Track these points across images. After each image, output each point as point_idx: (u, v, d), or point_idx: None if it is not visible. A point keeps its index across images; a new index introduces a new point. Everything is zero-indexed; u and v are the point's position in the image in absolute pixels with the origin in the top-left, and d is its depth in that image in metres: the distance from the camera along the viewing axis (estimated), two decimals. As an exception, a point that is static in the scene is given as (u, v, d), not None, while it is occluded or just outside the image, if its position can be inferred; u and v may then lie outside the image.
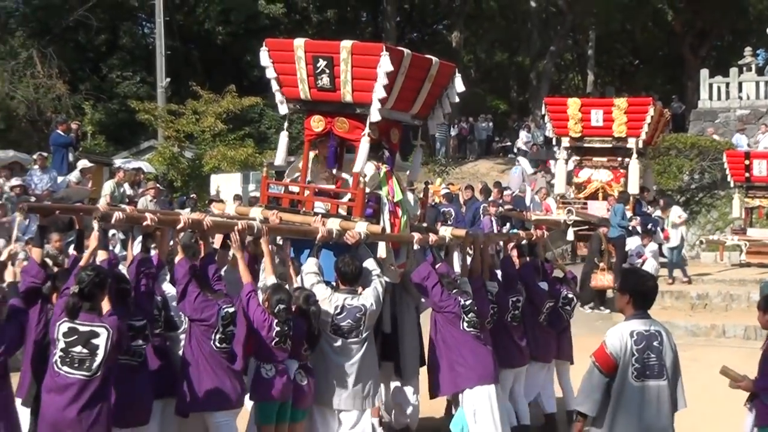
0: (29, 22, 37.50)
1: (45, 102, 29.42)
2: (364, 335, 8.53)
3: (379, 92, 8.98)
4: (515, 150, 37.03)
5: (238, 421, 7.88)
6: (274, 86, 9.83)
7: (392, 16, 40.68)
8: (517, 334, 10.13)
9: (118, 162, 25.98)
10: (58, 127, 22.46)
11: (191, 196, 23.89)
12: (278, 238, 8.92)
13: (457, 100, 10.23)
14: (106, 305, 6.77)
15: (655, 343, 6.55)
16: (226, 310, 7.66)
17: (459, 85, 10.05)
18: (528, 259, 11.06)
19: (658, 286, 7.01)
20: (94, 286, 6.65)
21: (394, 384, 9.85)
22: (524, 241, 11.42)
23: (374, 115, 9.12)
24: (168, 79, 31.93)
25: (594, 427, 6.59)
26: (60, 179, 19.95)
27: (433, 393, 9.50)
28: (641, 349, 6.49)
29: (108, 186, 20.33)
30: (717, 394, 9.01)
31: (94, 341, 6.59)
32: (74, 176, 20.16)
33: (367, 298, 8.56)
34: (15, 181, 18.35)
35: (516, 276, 10.52)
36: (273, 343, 7.83)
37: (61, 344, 6.60)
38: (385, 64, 8.85)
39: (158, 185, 21.38)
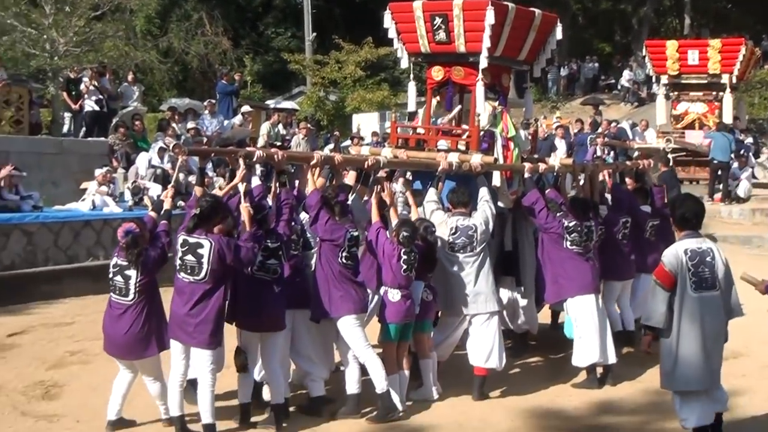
0: (199, -12, 38.10)
1: (213, 56, 29.99)
2: (478, 249, 8.62)
3: (486, 42, 9.04)
4: (619, 87, 36.34)
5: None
6: (397, 44, 9.94)
7: (509, -29, 39.80)
8: (625, 250, 10.06)
9: (271, 104, 26.47)
10: (223, 78, 22.89)
11: (335, 133, 24.16)
12: (401, 183, 9.02)
13: (556, 47, 10.15)
14: (247, 227, 7.18)
15: (707, 258, 6.54)
16: (351, 233, 7.89)
17: (559, 33, 10.04)
18: (638, 185, 11.06)
19: (704, 209, 6.95)
20: (210, 211, 7.09)
21: (515, 295, 9.89)
22: (633, 170, 11.48)
23: (483, 62, 9.16)
24: (314, 34, 32.23)
25: (662, 337, 6.60)
26: (226, 122, 20.42)
27: (540, 302, 9.60)
28: (695, 264, 6.49)
29: (265, 127, 20.73)
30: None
31: (200, 251, 6.99)
32: (237, 119, 20.61)
33: (477, 219, 8.68)
34: (190, 124, 18.90)
35: (624, 200, 10.43)
36: (401, 270, 8.01)
37: (179, 254, 7.05)
38: (489, 18, 8.95)
39: (308, 125, 21.67)
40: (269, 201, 7.96)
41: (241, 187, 7.48)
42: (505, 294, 9.80)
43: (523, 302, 9.90)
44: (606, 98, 36.34)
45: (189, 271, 7.05)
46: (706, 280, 6.51)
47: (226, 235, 7.16)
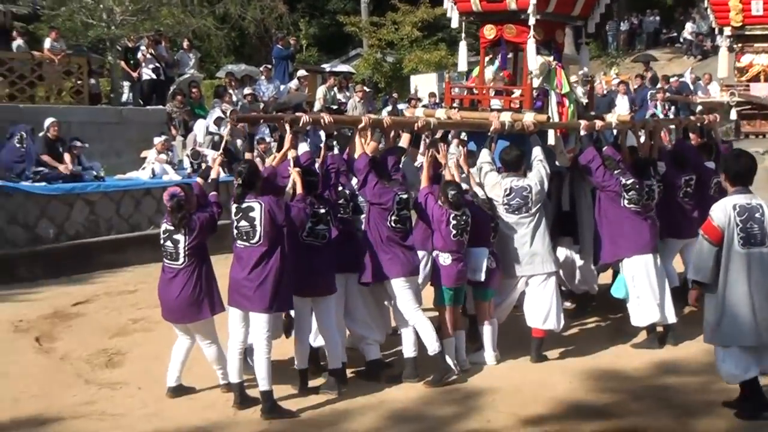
0: (253, -47, 38.06)
1: (269, 21, 29.94)
2: (533, 210, 8.53)
3: (535, -2, 8.86)
4: (681, 40, 35.45)
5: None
6: (447, 2, 9.83)
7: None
8: (687, 208, 9.83)
9: (327, 67, 26.42)
10: (279, 43, 22.82)
11: (393, 95, 24.02)
12: (455, 144, 8.92)
13: (609, 1, 9.93)
14: (299, 190, 7.22)
15: (756, 215, 6.46)
16: (400, 196, 7.83)
17: (613, -12, 9.79)
18: (703, 140, 10.91)
19: (755, 164, 6.79)
20: (249, 176, 7.12)
21: (573, 255, 9.80)
22: (698, 126, 11.31)
23: (532, 19, 9.02)
24: (371, -5, 32.06)
25: (709, 292, 6.54)
26: (282, 87, 20.40)
27: (596, 261, 9.42)
28: (744, 219, 6.43)
29: (320, 91, 20.70)
30: None
31: (251, 214, 7.03)
32: (293, 84, 20.57)
33: (532, 179, 8.58)
34: (247, 90, 18.95)
35: (688, 157, 10.19)
36: (452, 235, 7.95)
37: (234, 222, 7.11)
38: None
39: (365, 88, 21.57)
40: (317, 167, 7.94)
41: (291, 154, 7.48)
42: (563, 254, 9.71)
43: (580, 262, 9.81)
44: (669, 52, 35.60)
45: (245, 237, 7.10)
46: (755, 236, 6.45)
47: (266, 194, 7.18)
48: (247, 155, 7.91)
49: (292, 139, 7.55)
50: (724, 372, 6.72)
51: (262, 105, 18.55)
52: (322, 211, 7.47)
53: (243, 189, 7.12)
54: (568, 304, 9.97)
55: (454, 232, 7.95)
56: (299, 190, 7.29)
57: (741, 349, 6.53)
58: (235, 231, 7.16)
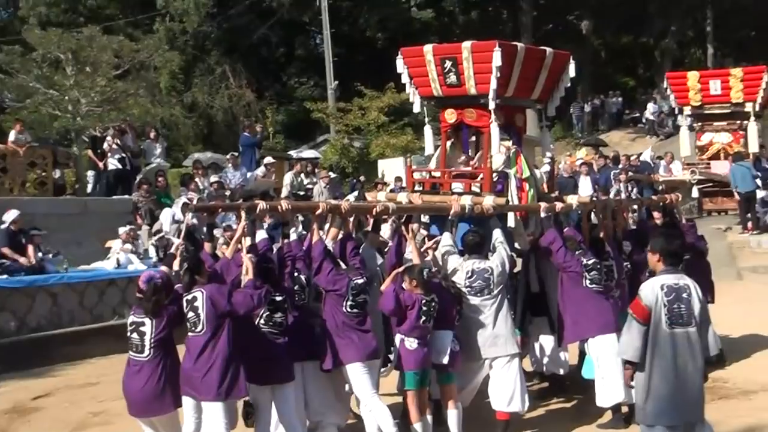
0: (221, 43, 38.61)
1: (237, 108, 30.39)
2: (495, 291, 8.51)
3: (494, 84, 9.07)
4: (644, 120, 36.18)
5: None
6: (409, 87, 9.96)
7: (529, 10, 39.98)
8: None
9: (293, 154, 26.62)
10: (246, 130, 22.99)
11: (361, 179, 24.17)
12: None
13: (569, 84, 10.10)
14: (250, 275, 7.17)
15: (684, 295, 6.46)
16: (355, 281, 7.80)
17: (572, 70, 10.00)
18: (665, 219, 11.12)
19: (684, 245, 6.92)
20: (191, 265, 7.20)
21: (546, 337, 9.74)
22: (660, 205, 11.54)
23: (491, 104, 9.18)
24: (336, 82, 32.46)
25: (637, 371, 6.52)
26: (249, 174, 20.43)
27: (559, 342, 9.41)
28: (671, 300, 6.41)
29: (288, 177, 20.74)
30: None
31: (195, 304, 7.02)
32: (260, 171, 20.60)
33: (493, 261, 8.58)
34: (213, 178, 18.94)
35: (650, 236, 10.27)
36: (420, 321, 7.93)
37: (189, 314, 7.09)
38: (497, 59, 8.97)
39: (330, 173, 21.69)
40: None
41: (245, 241, 7.47)
42: (535, 335, 9.68)
43: (551, 344, 9.75)
44: (632, 132, 36.34)
45: (192, 327, 7.07)
46: (682, 316, 6.45)
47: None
48: (206, 246, 7.85)
49: (245, 227, 7.54)
50: None
51: (228, 192, 18.54)
52: (279, 298, 7.43)
53: (190, 279, 7.10)
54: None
55: (423, 318, 7.93)
56: (250, 275, 7.24)
57: (666, 429, 6.46)
58: (187, 322, 7.12)
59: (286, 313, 7.49)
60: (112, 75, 22.23)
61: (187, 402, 7.13)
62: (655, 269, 6.71)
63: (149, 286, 7.18)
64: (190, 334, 7.09)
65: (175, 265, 7.85)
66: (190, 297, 7.06)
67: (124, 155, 18.95)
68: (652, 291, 6.45)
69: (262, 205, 7.63)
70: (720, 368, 10.78)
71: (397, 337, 8.14)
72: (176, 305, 7.27)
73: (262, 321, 7.34)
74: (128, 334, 7.32)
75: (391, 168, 25.84)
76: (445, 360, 8.13)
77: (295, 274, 7.87)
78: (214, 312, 6.97)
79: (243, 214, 7.60)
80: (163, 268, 7.81)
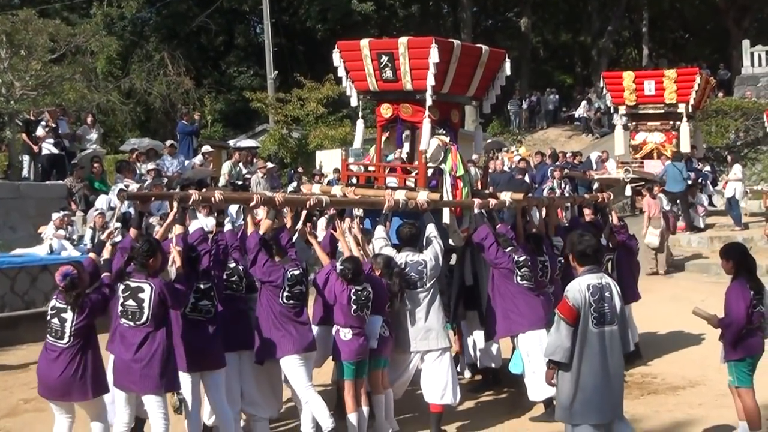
0: (160, 29, 38.25)
1: (175, 96, 29.99)
2: (428, 285, 8.60)
3: (431, 80, 9.12)
4: (576, 118, 36.65)
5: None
6: (345, 81, 9.98)
7: (469, 6, 40.17)
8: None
9: (232, 143, 26.48)
10: (183, 118, 22.82)
11: (298, 170, 24.14)
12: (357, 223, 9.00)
13: (504, 83, 10.22)
14: (179, 268, 7.17)
15: (606, 294, 6.60)
16: (291, 272, 7.87)
17: (507, 69, 10.12)
18: (599, 218, 11.45)
19: (598, 243, 6.98)
20: (143, 254, 7.05)
21: (480, 331, 9.82)
22: (592, 203, 11.81)
23: (428, 100, 9.24)
24: (276, 72, 32.29)
25: (563, 370, 6.59)
26: (186, 162, 20.28)
27: (489, 337, 9.53)
28: (597, 299, 6.53)
29: (226, 166, 20.63)
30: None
31: (141, 295, 6.97)
32: (198, 159, 20.44)
33: (427, 254, 8.67)
34: (150, 165, 18.77)
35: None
36: (352, 310, 8.01)
37: (120, 299, 7.02)
38: (434, 56, 9.00)
39: (267, 164, 21.63)
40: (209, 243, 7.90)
41: (175, 230, 7.46)
42: (468, 329, 9.80)
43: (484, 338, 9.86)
44: (568, 129, 36.75)
45: (130, 316, 6.99)
46: (606, 315, 6.57)
47: (155, 274, 7.11)
48: (132, 232, 7.71)
49: (175, 215, 7.49)
50: None
51: (165, 180, 18.39)
52: (204, 286, 7.45)
53: (136, 264, 7.05)
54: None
55: (355, 307, 8.00)
56: (177, 263, 7.23)
57: (591, 428, 6.56)
58: (120, 308, 7.03)
59: (213, 301, 7.50)
60: (48, 59, 21.82)
61: (120, 394, 7.10)
62: (575, 270, 6.82)
63: (66, 282, 7.05)
64: (125, 322, 7.00)
65: (105, 253, 7.80)
66: (134, 286, 6.99)
67: (59, 140, 18.70)
68: (579, 291, 6.53)
69: (195, 195, 7.60)
70: (647, 364, 11.06)
71: (333, 328, 8.22)
72: (100, 294, 7.17)
73: (188, 309, 7.36)
74: (48, 318, 7.17)
75: (329, 159, 25.83)
76: (375, 344, 8.22)
77: (233, 264, 7.90)
78: (161, 307, 6.96)
79: (175, 204, 7.56)
80: (91, 255, 7.77)
